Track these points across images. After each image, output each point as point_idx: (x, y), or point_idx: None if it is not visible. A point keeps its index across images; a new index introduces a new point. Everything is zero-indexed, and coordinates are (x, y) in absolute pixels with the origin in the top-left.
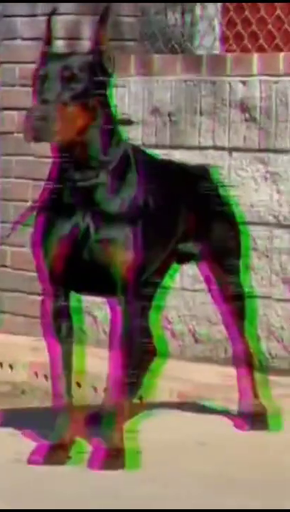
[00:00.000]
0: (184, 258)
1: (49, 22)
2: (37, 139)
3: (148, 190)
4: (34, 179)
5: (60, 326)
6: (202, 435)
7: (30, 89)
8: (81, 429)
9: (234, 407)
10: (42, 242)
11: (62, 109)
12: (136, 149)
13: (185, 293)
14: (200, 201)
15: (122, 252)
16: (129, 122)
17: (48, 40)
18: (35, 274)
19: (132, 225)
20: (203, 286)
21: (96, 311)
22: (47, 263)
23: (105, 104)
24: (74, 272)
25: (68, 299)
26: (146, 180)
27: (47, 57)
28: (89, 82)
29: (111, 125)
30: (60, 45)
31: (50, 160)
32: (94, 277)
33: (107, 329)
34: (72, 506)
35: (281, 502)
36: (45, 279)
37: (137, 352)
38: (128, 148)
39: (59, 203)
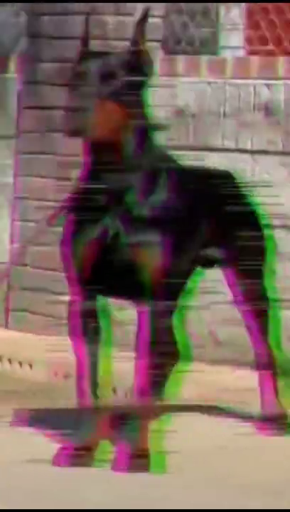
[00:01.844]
0: (208, 262)
1: (87, 21)
2: (76, 133)
3: (178, 195)
4: (56, 178)
5: (88, 327)
6: (224, 439)
7: (54, 88)
8: (106, 430)
9: (254, 411)
10: (71, 243)
11: (100, 104)
12: (165, 154)
13: (206, 295)
14: (224, 206)
15: (152, 256)
16: (161, 127)
17: (85, 39)
18: (54, 273)
19: (162, 229)
20: (224, 288)
21: (116, 311)
22: (76, 264)
23: (141, 105)
24: (102, 274)
25: (96, 301)
26: (176, 186)
27: (86, 55)
28: (127, 81)
29: (146, 127)
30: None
31: (71, 159)
32: (123, 280)
33: (127, 330)
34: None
35: None
36: (73, 280)
37: (163, 355)
38: (159, 151)
39: (89, 204)
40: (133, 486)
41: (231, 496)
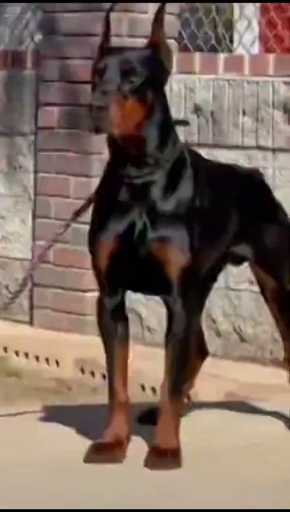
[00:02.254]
0: (237, 259)
1: (107, 18)
2: (97, 130)
3: (203, 191)
4: (73, 175)
5: (116, 324)
6: (252, 436)
7: (70, 85)
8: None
9: (281, 408)
10: (98, 239)
11: (122, 101)
12: (191, 150)
13: (230, 292)
14: (252, 203)
15: (178, 252)
16: (184, 123)
17: (106, 35)
18: (76, 271)
19: (188, 225)
20: (248, 285)
21: (140, 308)
22: (104, 261)
23: (163, 101)
24: (129, 270)
25: (124, 297)
26: (201, 182)
27: (106, 51)
28: (148, 76)
29: (169, 123)
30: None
31: (89, 156)
32: (150, 276)
33: (151, 326)
34: (123, 507)
35: None
36: (101, 276)
37: (190, 352)
38: (184, 148)
39: (115, 199)
40: (144, 484)
41: (246, 495)
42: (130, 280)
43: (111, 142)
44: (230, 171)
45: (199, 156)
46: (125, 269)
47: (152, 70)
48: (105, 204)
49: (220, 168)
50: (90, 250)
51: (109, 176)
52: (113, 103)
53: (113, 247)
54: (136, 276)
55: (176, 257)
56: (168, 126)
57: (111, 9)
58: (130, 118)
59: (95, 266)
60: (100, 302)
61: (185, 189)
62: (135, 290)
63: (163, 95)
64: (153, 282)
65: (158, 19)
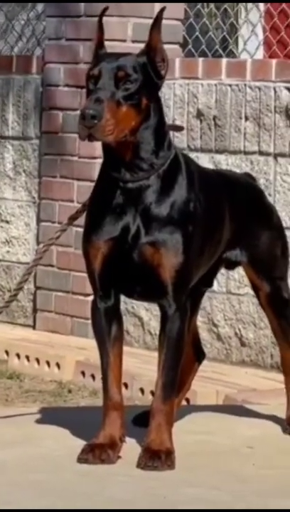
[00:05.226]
0: (231, 264)
1: (100, 23)
2: (90, 138)
3: (197, 196)
4: (78, 179)
5: (110, 327)
6: (249, 439)
7: (74, 90)
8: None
9: (280, 412)
10: (91, 242)
11: (115, 109)
12: (184, 155)
13: (231, 297)
14: (246, 209)
15: (171, 256)
16: (178, 128)
17: (100, 41)
18: (79, 274)
19: (182, 229)
20: (249, 290)
21: (141, 312)
22: (97, 263)
23: (157, 105)
24: (123, 273)
25: (118, 300)
26: (195, 186)
27: (101, 57)
28: (142, 82)
29: (163, 127)
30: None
31: (93, 160)
32: (143, 280)
33: (153, 330)
34: (116, 507)
35: None
36: (94, 279)
37: (183, 354)
38: (178, 152)
39: (109, 203)
40: (137, 486)
41: (244, 497)
42: (123, 284)
43: (106, 146)
44: (223, 176)
45: (192, 161)
46: (118, 273)
47: (147, 75)
48: (99, 207)
49: (213, 173)
50: (84, 253)
51: (103, 179)
52: (106, 111)
53: (106, 251)
54: (130, 279)
55: (170, 260)
56: (162, 131)
57: (103, 13)
58: (124, 125)
59: (89, 269)
60: (94, 304)
61: (180, 193)
62: (128, 294)
63: (158, 100)
64: (146, 286)
65: (156, 25)
